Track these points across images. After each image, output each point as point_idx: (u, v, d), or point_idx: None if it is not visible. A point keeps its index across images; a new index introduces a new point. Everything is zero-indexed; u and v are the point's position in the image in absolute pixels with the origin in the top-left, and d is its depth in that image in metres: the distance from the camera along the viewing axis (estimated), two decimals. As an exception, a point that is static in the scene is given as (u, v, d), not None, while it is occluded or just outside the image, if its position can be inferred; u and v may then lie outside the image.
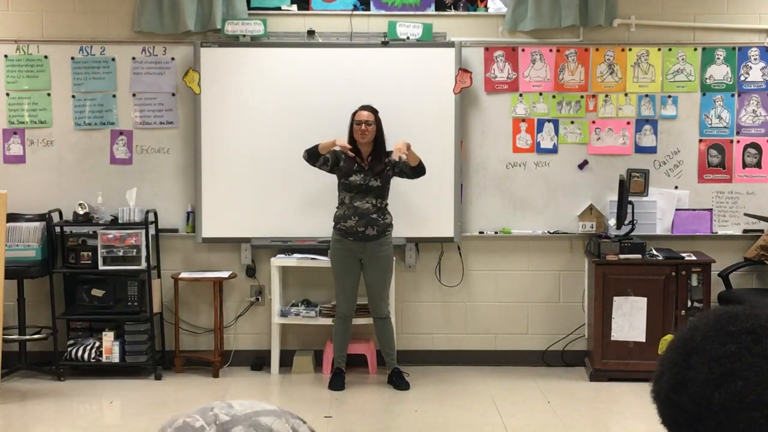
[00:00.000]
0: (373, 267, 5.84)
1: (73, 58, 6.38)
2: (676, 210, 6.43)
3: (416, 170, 5.81)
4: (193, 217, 6.40)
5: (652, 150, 6.42)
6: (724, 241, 6.44)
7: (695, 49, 6.39)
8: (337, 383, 5.91)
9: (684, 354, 1.23)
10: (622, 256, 6.05)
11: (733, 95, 6.40)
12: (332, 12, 6.41)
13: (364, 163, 5.85)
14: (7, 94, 6.40)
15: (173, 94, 6.40)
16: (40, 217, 6.21)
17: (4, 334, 5.71)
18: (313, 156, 5.83)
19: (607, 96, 6.41)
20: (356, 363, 6.17)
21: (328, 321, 6.22)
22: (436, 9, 6.43)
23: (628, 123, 6.42)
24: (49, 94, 6.40)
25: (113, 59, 6.39)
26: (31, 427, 5.36)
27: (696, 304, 5.97)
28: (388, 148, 5.89)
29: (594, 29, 6.39)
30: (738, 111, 6.41)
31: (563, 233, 6.43)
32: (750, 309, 1.27)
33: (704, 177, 6.44)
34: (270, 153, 6.32)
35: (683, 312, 5.91)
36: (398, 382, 5.94)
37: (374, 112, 5.88)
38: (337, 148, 5.82)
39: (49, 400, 5.75)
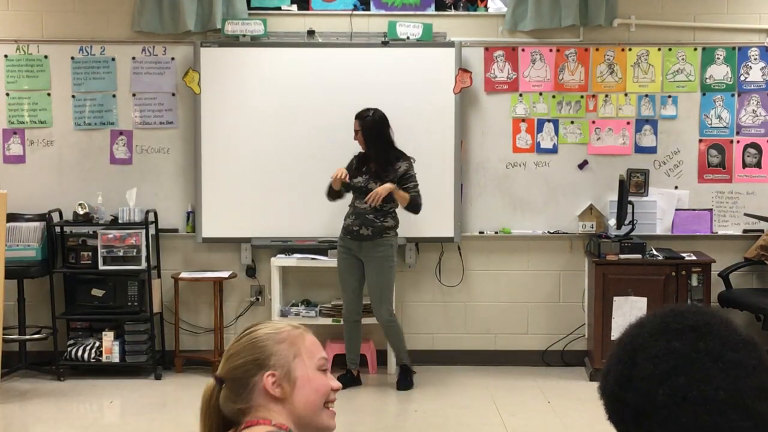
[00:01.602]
0: (369, 269, 5.82)
1: (73, 58, 6.38)
2: (676, 210, 6.43)
3: (407, 209, 5.78)
4: (193, 217, 6.40)
5: (652, 150, 6.42)
6: (724, 241, 6.44)
7: (695, 49, 6.39)
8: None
9: (630, 351, 1.26)
10: (622, 256, 6.05)
11: (733, 95, 6.40)
12: (332, 12, 6.42)
13: (372, 166, 5.84)
14: (7, 94, 6.40)
15: (173, 94, 6.41)
16: (40, 217, 6.21)
17: (4, 334, 5.71)
18: (332, 195, 5.86)
19: (607, 96, 6.41)
20: (356, 363, 6.18)
21: (328, 321, 6.23)
22: (436, 9, 6.43)
23: (628, 123, 6.42)
24: (49, 94, 6.40)
25: (113, 59, 6.39)
26: (31, 427, 5.36)
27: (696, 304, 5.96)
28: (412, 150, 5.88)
29: (594, 29, 6.39)
30: (738, 111, 6.41)
31: (563, 233, 6.44)
32: (696, 307, 1.30)
33: (704, 177, 6.44)
34: (270, 153, 6.32)
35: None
36: (400, 380, 5.92)
37: (360, 118, 5.79)
38: (339, 174, 5.77)
39: (49, 400, 5.75)
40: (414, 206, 5.77)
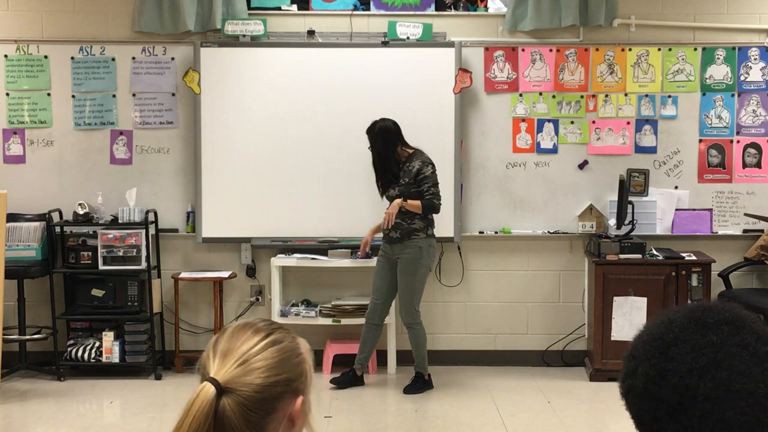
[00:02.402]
0: (398, 270, 5.84)
1: (73, 58, 6.38)
2: (676, 210, 6.44)
3: (424, 214, 5.75)
4: (193, 217, 6.40)
5: (652, 150, 6.42)
6: (724, 241, 6.44)
7: (695, 49, 6.39)
8: (337, 378, 5.93)
9: (662, 346, 1.24)
10: (622, 256, 6.05)
11: (733, 95, 6.40)
12: (332, 12, 6.42)
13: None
14: (7, 94, 6.40)
15: (173, 94, 6.41)
16: (40, 217, 6.21)
17: (4, 334, 5.72)
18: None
19: (607, 96, 6.41)
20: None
21: (328, 321, 6.22)
22: (436, 9, 6.43)
23: (628, 123, 6.42)
24: (49, 94, 6.40)
25: (113, 59, 6.39)
26: (31, 427, 5.36)
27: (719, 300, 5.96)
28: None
29: (594, 29, 6.39)
30: (738, 111, 6.41)
31: (563, 233, 6.44)
32: (720, 302, 1.28)
33: (704, 177, 6.44)
34: (270, 153, 6.32)
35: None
36: (409, 385, 5.88)
37: (367, 133, 5.82)
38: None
39: (49, 400, 5.75)
40: (428, 210, 5.75)
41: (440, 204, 5.79)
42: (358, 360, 5.98)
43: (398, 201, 5.71)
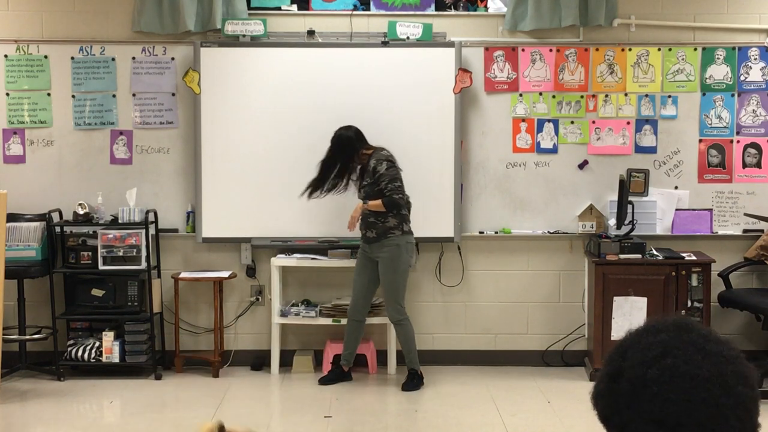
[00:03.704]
0: (380, 269, 5.87)
1: (73, 58, 6.38)
2: (676, 210, 6.43)
3: (387, 211, 5.77)
4: (193, 217, 6.40)
5: (652, 150, 6.42)
6: (724, 241, 6.44)
7: (695, 49, 6.39)
8: (325, 377, 5.99)
9: (620, 352, 1.39)
10: (622, 256, 6.05)
11: (733, 95, 6.40)
12: (332, 12, 6.42)
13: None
14: (7, 94, 6.40)
15: (173, 94, 6.41)
16: (40, 217, 6.22)
17: (4, 334, 5.71)
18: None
19: (607, 96, 6.41)
20: (356, 363, 6.17)
21: (328, 321, 6.23)
22: (436, 9, 6.43)
23: (628, 123, 6.42)
24: (49, 94, 6.40)
25: (113, 59, 6.39)
26: (31, 427, 5.36)
27: (696, 304, 5.96)
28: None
29: (594, 29, 6.39)
30: (738, 111, 6.41)
31: (563, 233, 6.44)
32: (678, 315, 1.47)
33: (704, 177, 6.44)
34: (270, 153, 6.32)
35: (683, 312, 5.90)
36: (406, 382, 5.91)
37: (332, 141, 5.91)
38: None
39: (49, 400, 5.75)
40: (390, 206, 5.77)
41: (401, 197, 5.77)
42: (343, 357, 6.04)
43: (359, 204, 5.76)
